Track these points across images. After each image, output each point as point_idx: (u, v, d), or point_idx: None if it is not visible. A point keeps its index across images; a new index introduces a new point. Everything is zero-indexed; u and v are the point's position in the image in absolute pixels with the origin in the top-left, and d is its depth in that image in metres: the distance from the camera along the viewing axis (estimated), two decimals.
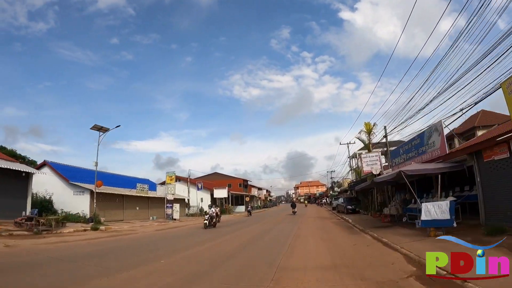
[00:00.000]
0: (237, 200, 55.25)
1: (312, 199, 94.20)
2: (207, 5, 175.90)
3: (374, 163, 19.24)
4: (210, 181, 58.30)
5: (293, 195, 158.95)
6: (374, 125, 20.17)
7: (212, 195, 44.80)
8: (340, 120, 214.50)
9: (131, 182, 34.85)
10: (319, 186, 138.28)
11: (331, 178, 75.86)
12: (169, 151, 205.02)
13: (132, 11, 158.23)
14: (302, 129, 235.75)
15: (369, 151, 20.34)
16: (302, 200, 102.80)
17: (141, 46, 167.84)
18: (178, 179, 47.44)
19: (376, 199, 19.85)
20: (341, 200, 28.73)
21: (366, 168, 19.25)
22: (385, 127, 21.03)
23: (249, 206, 45.98)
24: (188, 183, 42.41)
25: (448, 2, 12.08)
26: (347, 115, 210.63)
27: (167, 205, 33.17)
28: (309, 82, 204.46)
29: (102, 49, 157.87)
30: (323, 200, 65.04)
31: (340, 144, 45.28)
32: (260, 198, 66.22)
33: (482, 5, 9.80)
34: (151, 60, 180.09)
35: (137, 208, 32.17)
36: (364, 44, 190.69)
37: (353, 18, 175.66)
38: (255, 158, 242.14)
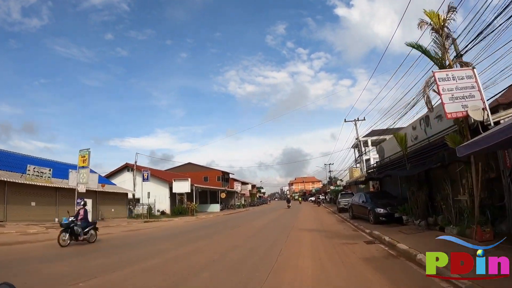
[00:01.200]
0: (213, 196, 42.53)
1: (307, 195, 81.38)
2: (202, 0, 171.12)
3: (466, 93, 6.34)
4: (183, 173, 45.89)
5: (288, 192, 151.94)
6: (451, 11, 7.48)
7: (171, 189, 31.92)
8: (336, 117, 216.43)
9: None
10: (315, 182, 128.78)
11: (329, 171, 63.60)
12: (165, 147, 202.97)
13: (126, 6, 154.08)
14: (298, 125, 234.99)
15: (449, 65, 7.49)
16: (296, 197, 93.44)
17: (136, 42, 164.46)
18: (129, 168, 34.77)
19: (468, 190, 7.05)
20: (358, 198, 15.72)
21: (450, 108, 6.41)
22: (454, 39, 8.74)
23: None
24: (135, 171, 29.47)
25: None
26: (342, 111, 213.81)
27: (78, 200, 20.05)
28: (305, 78, 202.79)
29: (97, 45, 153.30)
30: (321, 197, 52.56)
31: (345, 121, 32.48)
32: (244, 194, 53.36)
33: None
34: (146, 56, 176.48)
35: (33, 203, 21.01)
36: (360, 40, 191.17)
37: (349, 14, 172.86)
38: (251, 155, 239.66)
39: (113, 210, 27.86)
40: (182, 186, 31.82)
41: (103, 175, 34.37)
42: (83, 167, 21.48)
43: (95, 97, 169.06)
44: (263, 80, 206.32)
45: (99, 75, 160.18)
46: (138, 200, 31.20)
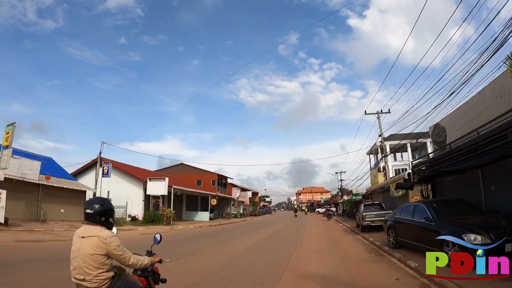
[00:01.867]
0: (205, 202, 35.53)
1: (315, 206, 73.26)
2: (215, 8, 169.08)
3: None
4: (175, 175, 39.64)
5: (295, 202, 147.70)
6: None
7: (146, 190, 25.18)
8: (346, 128, 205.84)
9: None
10: (323, 193, 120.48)
11: (340, 180, 56.16)
12: (174, 153, 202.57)
13: (140, 11, 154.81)
14: (308, 136, 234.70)
15: None
16: (303, 208, 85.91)
17: (149, 47, 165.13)
18: (102, 163, 28.36)
19: None
20: (412, 212, 8.09)
21: None
22: None
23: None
24: (98, 165, 23.02)
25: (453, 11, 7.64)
26: (353, 123, 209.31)
27: None
28: (316, 89, 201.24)
29: (110, 48, 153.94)
30: (331, 210, 45.00)
31: (366, 113, 25.56)
32: (243, 202, 46.13)
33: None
34: (158, 61, 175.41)
35: None
36: (372, 52, 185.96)
37: (361, 25, 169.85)
38: (260, 164, 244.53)
39: (62, 210, 21.33)
40: (157, 187, 25.11)
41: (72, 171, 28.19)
42: (6, 147, 15.17)
43: (106, 100, 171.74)
44: (274, 90, 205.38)
45: (111, 78, 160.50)
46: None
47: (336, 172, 52.08)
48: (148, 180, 26.25)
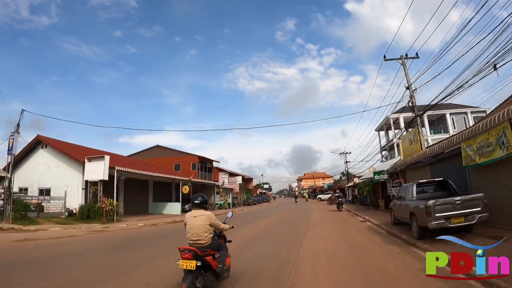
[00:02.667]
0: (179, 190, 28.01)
1: (318, 192, 65.66)
2: None
3: None
4: (149, 159, 32.41)
5: (296, 188, 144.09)
6: None
7: (84, 173, 17.46)
8: (346, 113, 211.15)
9: None
10: (325, 178, 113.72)
11: (345, 162, 48.79)
12: (175, 144, 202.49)
13: (135, 3, 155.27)
14: (308, 122, 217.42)
15: None
16: (304, 195, 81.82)
17: (145, 39, 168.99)
18: (44, 144, 21.24)
19: None
20: None
21: None
22: None
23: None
24: (14, 141, 15.22)
25: None
26: (353, 108, 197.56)
27: None
28: (315, 75, 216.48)
29: (106, 42, 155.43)
30: (339, 198, 37.47)
31: (386, 59, 17.26)
32: (232, 190, 38.40)
33: None
34: (155, 53, 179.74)
35: None
36: (370, 36, 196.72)
37: (359, 10, 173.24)
38: (260, 152, 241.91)
39: None
40: (95, 170, 17.28)
41: None
42: None
43: (105, 95, 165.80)
44: (273, 77, 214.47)
45: (109, 73, 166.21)
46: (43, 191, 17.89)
47: (340, 153, 44.00)
48: (86, 161, 18.51)
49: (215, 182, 33.15)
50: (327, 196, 55.12)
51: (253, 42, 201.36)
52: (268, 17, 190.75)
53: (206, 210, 4.30)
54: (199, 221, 4.06)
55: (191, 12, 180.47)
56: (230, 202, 37.52)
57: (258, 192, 68.87)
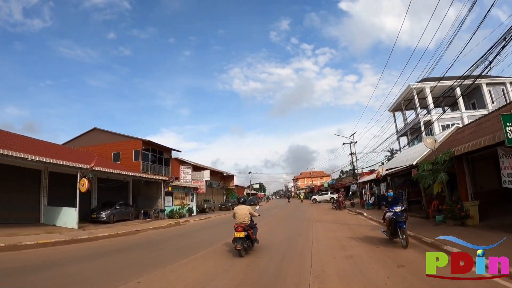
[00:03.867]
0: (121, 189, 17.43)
1: (316, 192, 54.52)
2: None
3: None
4: (87, 147, 23.20)
5: (292, 189, 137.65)
6: None
7: None
8: (342, 113, 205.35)
9: None
10: (323, 177, 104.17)
11: (351, 154, 38.71)
12: (171, 147, 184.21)
13: (128, 4, 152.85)
14: (303, 122, 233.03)
15: None
16: (301, 195, 74.24)
17: (139, 40, 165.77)
18: None
19: None
20: None
21: None
22: None
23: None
24: None
25: None
26: (348, 108, 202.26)
27: None
28: (310, 74, 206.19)
29: (100, 45, 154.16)
30: (350, 197, 27.00)
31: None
32: (198, 190, 27.26)
33: None
34: (150, 55, 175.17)
35: None
36: (365, 35, 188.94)
37: (353, 8, 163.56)
38: (257, 153, 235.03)
39: None
40: None
41: None
42: None
43: (100, 98, 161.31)
44: (268, 77, 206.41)
45: (104, 75, 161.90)
46: None
47: (348, 137, 33.25)
48: None
49: (162, 178, 21.97)
50: (325, 197, 44.20)
51: (247, 42, 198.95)
52: (262, 17, 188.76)
53: (247, 205, 8.52)
54: (244, 211, 7.99)
55: (184, 13, 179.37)
56: (193, 206, 26.41)
57: (245, 193, 58.09)
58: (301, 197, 61.49)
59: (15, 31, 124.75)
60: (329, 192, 46.16)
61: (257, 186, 79.51)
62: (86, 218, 17.65)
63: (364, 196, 22.56)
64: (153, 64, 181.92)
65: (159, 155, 27.66)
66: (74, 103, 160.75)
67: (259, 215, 8.82)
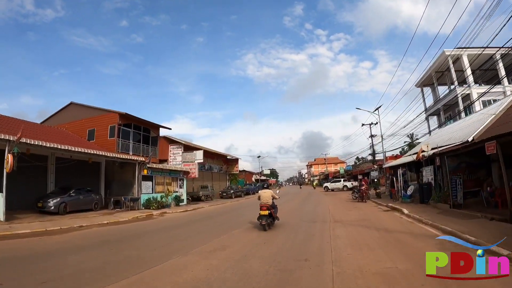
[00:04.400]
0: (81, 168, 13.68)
1: (331, 179, 49.32)
2: None
3: None
4: (63, 125, 21.35)
5: (306, 175, 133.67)
6: None
7: None
8: (357, 100, 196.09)
9: None
10: (338, 164, 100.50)
11: (371, 137, 33.91)
12: (185, 133, 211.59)
13: None
14: (318, 109, 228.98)
15: None
16: (314, 182, 71.12)
17: (151, 27, 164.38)
18: None
19: None
20: None
21: None
22: None
23: None
24: None
25: None
26: (363, 94, 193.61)
27: None
28: (324, 60, 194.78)
29: (112, 33, 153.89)
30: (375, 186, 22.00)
31: None
32: (190, 175, 23.02)
33: None
34: (162, 42, 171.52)
35: None
36: (380, 20, 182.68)
37: None
38: (270, 139, 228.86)
39: None
40: None
41: None
42: None
43: (114, 86, 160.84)
44: (282, 63, 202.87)
45: (117, 63, 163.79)
46: None
47: (376, 108, 27.74)
48: None
49: (135, 159, 17.76)
50: (337, 185, 39.30)
51: (261, 28, 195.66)
52: (275, 2, 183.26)
53: (269, 189, 10.30)
54: (267, 194, 9.64)
55: None
56: (183, 193, 22.34)
57: (253, 179, 53.85)
58: (314, 184, 56.97)
59: (27, 22, 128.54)
60: (342, 180, 41.15)
61: (267, 171, 74.93)
62: (34, 207, 13.88)
63: (395, 185, 17.32)
64: (165, 51, 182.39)
65: (145, 132, 23.55)
66: (87, 91, 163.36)
67: (279, 197, 10.88)
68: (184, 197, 22.59)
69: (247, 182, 48.57)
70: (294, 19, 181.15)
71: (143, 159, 18.20)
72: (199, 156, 23.22)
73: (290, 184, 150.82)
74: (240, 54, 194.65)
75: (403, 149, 50.34)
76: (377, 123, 35.67)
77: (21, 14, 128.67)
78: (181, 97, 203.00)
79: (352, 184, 37.55)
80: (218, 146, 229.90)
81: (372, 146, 35.26)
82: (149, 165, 18.46)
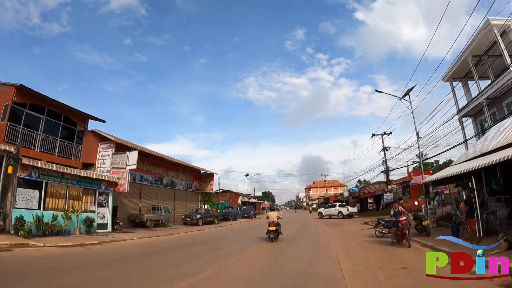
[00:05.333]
0: None
1: (332, 203, 40.60)
2: (219, 4, 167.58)
3: None
4: None
5: (304, 199, 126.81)
6: None
7: None
8: (357, 124, 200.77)
9: None
10: (338, 187, 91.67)
11: (383, 150, 26.27)
12: (185, 154, 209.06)
13: (144, 11, 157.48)
14: (318, 133, 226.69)
15: None
16: (313, 206, 64.87)
17: (154, 47, 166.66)
18: None
19: None
20: None
21: None
22: None
23: None
24: None
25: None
26: (364, 119, 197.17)
27: None
28: (325, 84, 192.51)
29: (116, 50, 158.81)
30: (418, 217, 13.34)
31: None
32: (118, 187, 15.38)
33: None
34: (165, 61, 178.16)
35: None
36: (380, 44, 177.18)
37: (369, 18, 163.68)
38: (270, 161, 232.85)
39: None
40: None
41: None
42: None
43: (116, 103, 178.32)
44: (282, 87, 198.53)
45: (120, 81, 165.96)
46: None
47: (405, 95, 19.97)
48: None
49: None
50: (331, 210, 31.27)
51: (262, 51, 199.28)
52: (278, 26, 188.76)
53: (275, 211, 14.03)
54: (274, 214, 12.78)
55: (199, 21, 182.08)
56: (107, 215, 14.56)
57: (239, 202, 45.51)
58: (310, 209, 49.51)
59: (33, 35, 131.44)
60: (337, 205, 33.04)
61: (258, 194, 66.03)
62: None
63: (474, 212, 9.07)
64: (169, 71, 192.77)
65: (68, 124, 16.24)
66: (90, 106, 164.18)
67: (282, 218, 14.49)
68: (108, 220, 14.85)
69: (231, 205, 40.46)
70: (295, 43, 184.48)
71: (13, 151, 10.70)
72: (132, 159, 15.51)
73: (287, 208, 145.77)
74: (241, 77, 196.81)
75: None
76: (390, 133, 28.59)
77: (27, 26, 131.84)
78: (183, 117, 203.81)
79: (348, 210, 30.11)
80: (217, 168, 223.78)
81: (386, 161, 27.78)
82: (34, 164, 11.01)
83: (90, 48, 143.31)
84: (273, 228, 12.17)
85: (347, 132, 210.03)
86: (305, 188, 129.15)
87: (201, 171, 30.05)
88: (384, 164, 27.59)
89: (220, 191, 41.16)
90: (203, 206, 29.51)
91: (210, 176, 30.19)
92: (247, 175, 50.56)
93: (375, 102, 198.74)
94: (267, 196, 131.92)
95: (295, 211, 52.03)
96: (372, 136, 29.70)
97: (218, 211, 32.65)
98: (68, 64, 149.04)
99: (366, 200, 34.08)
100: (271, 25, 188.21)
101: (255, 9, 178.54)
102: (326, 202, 55.89)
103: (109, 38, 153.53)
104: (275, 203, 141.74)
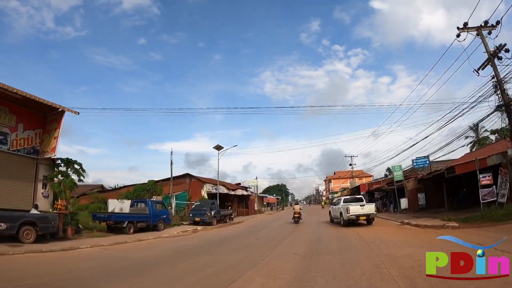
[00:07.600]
0: None
1: (362, 195, 25.93)
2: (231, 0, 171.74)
3: None
4: None
5: (324, 192, 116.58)
6: None
7: None
8: (376, 115, 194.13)
9: None
10: (363, 178, 78.41)
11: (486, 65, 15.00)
12: (204, 151, 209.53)
13: (157, 10, 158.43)
14: (337, 126, 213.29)
15: None
16: (331, 199, 57.75)
17: (169, 45, 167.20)
18: None
19: None
20: None
21: None
22: None
23: None
24: None
25: None
26: (383, 110, 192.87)
27: None
28: (343, 76, 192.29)
29: (131, 50, 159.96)
30: None
31: None
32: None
33: None
34: (180, 60, 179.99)
35: None
36: (398, 34, 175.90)
37: (385, 7, 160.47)
38: (289, 157, 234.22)
39: None
40: None
41: None
42: None
43: (134, 103, 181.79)
44: (299, 80, 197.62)
45: (137, 81, 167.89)
46: None
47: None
48: None
49: None
50: (358, 210, 17.05)
51: (277, 45, 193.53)
52: (292, 18, 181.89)
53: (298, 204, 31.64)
54: (297, 206, 24.99)
55: (213, 17, 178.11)
56: None
57: (204, 194, 30.50)
58: (323, 203, 37.24)
59: (48, 39, 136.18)
60: (364, 202, 18.77)
61: (253, 182, 50.57)
62: None
63: None
64: (185, 69, 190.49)
65: None
66: (107, 107, 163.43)
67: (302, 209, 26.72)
68: None
69: (192, 200, 28.15)
70: (310, 35, 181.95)
71: None
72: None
73: (304, 203, 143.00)
74: (257, 72, 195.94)
75: None
76: (498, 23, 13.89)
77: (42, 31, 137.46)
78: (201, 114, 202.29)
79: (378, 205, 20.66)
80: (236, 165, 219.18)
81: (499, 82, 12.75)
82: None
83: (106, 51, 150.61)
84: (298, 215, 22.61)
85: (367, 123, 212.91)
86: (325, 180, 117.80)
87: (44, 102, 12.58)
88: (499, 91, 12.69)
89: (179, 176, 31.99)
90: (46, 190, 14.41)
91: (57, 115, 14.04)
92: (218, 147, 30.25)
93: (394, 93, 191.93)
94: (279, 189, 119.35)
95: (309, 205, 45.64)
96: (458, 35, 14.29)
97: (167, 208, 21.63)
98: (86, 67, 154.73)
99: (459, 180, 16.31)
100: (284, 17, 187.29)
101: (268, 2, 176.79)
102: (352, 194, 38.93)
103: (123, 38, 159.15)
104: (295, 198, 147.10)
